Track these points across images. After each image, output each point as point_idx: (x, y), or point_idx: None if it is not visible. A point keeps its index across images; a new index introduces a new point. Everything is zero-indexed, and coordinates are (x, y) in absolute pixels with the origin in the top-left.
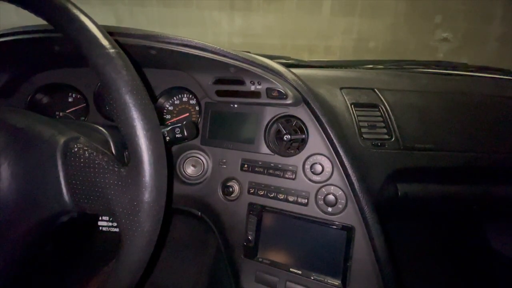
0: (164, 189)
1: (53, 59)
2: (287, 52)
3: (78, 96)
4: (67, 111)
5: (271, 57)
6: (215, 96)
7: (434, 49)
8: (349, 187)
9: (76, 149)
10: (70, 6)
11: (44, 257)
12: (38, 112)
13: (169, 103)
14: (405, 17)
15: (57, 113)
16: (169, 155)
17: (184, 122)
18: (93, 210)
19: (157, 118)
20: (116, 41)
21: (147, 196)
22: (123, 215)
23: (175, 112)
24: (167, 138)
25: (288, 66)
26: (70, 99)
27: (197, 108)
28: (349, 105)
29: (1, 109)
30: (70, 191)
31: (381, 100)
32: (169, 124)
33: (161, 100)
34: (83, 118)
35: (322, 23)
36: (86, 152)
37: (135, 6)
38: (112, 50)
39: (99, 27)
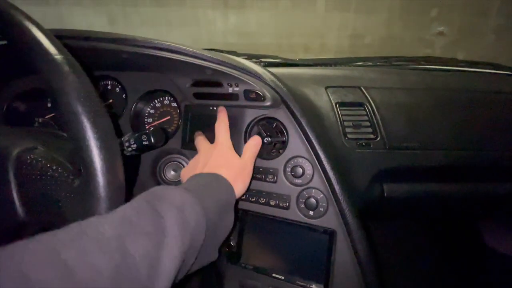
0: (121, 200)
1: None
2: (282, 50)
3: None
4: (46, 117)
5: (258, 57)
6: (194, 99)
7: (430, 43)
8: (329, 190)
9: (29, 161)
10: (11, 10)
11: None
12: (16, 119)
13: (149, 107)
14: (400, 12)
15: (36, 119)
16: (137, 162)
17: (152, 129)
18: (48, 223)
19: (111, 125)
20: (79, 45)
21: (99, 208)
22: None
23: (156, 115)
24: (134, 145)
25: (276, 65)
26: (49, 104)
27: (178, 111)
28: (333, 104)
29: None
30: (23, 204)
31: (367, 98)
32: (137, 131)
33: (140, 104)
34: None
35: (316, 20)
36: (39, 164)
37: (128, 6)
38: (57, 56)
39: (44, 31)
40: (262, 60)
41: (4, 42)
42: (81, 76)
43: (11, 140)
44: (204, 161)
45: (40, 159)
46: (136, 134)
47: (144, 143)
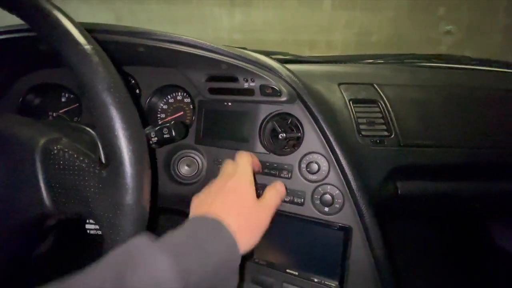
0: (147, 191)
1: (41, 59)
2: (288, 47)
3: (71, 96)
4: (60, 111)
5: (268, 53)
6: (208, 94)
7: (437, 42)
8: (346, 186)
9: (56, 151)
10: (42, 1)
11: (34, 262)
12: (30, 113)
13: (163, 102)
14: (407, 10)
15: (50, 113)
16: (154, 156)
17: (172, 122)
18: (74, 214)
19: (138, 116)
20: (98, 38)
21: (128, 198)
22: (104, 219)
23: (169, 110)
24: (155, 138)
25: (285, 62)
26: (63, 99)
27: (191, 106)
28: (347, 101)
29: None
30: (50, 194)
31: (381, 95)
32: (158, 124)
33: (154, 99)
34: (76, 118)
35: (323, 17)
36: (66, 154)
37: (134, 4)
38: (87, 47)
39: (74, 22)
40: (272, 56)
41: (9, 36)
42: (110, 67)
43: (37, 131)
44: (215, 194)
45: (66, 150)
46: (157, 127)
47: (165, 136)
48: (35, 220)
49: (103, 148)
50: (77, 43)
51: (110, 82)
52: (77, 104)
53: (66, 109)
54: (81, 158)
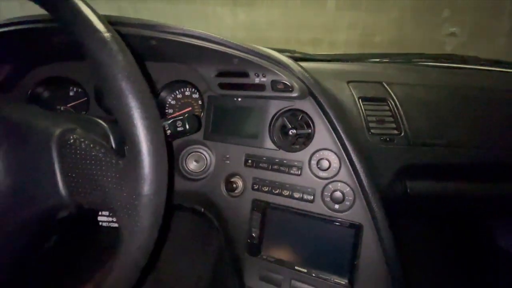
0: (165, 182)
1: (52, 52)
2: (290, 46)
3: (79, 90)
4: (68, 105)
5: (275, 51)
6: (218, 89)
7: (441, 44)
8: (357, 183)
9: (72, 141)
10: None
11: (44, 253)
12: (39, 106)
13: (171, 97)
14: (411, 11)
15: (58, 107)
16: (170, 149)
17: (186, 115)
18: (90, 204)
19: (156, 106)
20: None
21: (146, 189)
22: (121, 209)
23: (177, 106)
24: (168, 131)
25: (293, 59)
26: (71, 93)
27: (199, 102)
28: (356, 99)
29: None
30: (66, 184)
31: (390, 94)
32: (170, 117)
33: (162, 94)
34: (84, 112)
35: (327, 17)
36: (83, 144)
37: (138, 2)
38: (107, 34)
39: (94, 11)
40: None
41: (25, 26)
42: (128, 55)
43: (52, 121)
44: None
45: (82, 139)
46: (171, 120)
47: (179, 129)
48: (51, 211)
49: (120, 138)
50: (97, 30)
51: (129, 71)
52: (85, 98)
53: (74, 103)
54: (97, 148)
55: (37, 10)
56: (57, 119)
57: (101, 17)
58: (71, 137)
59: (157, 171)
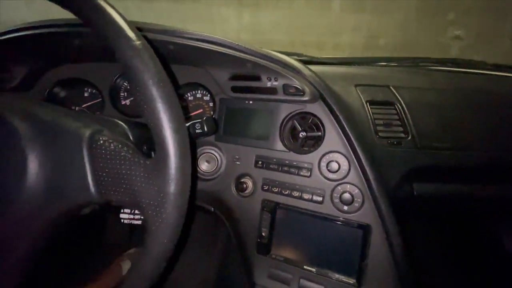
0: (189, 182)
1: (72, 53)
2: (295, 48)
3: (94, 91)
4: (83, 105)
5: (283, 54)
6: (231, 92)
7: (446, 47)
8: (366, 185)
9: (101, 141)
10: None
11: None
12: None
13: (182, 100)
14: (416, 14)
15: (73, 107)
16: (192, 150)
17: (204, 118)
18: (119, 202)
19: (181, 110)
20: None
21: (173, 188)
22: (149, 207)
23: (188, 108)
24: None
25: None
26: (86, 94)
27: (211, 104)
28: (364, 102)
29: (28, 102)
30: (96, 183)
31: (397, 97)
32: (188, 120)
33: None
34: (98, 113)
35: (331, 19)
36: (112, 145)
37: (144, 2)
38: (138, 42)
39: (125, 20)
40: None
41: (52, 29)
42: (158, 62)
43: (81, 122)
44: None
45: (111, 140)
46: (190, 123)
47: (198, 131)
48: (77, 208)
49: (138, 138)
50: (130, 39)
51: (160, 77)
52: (100, 99)
53: (88, 103)
54: (125, 149)
55: (43, 10)
56: (85, 120)
57: (132, 26)
58: (100, 138)
59: (183, 172)
